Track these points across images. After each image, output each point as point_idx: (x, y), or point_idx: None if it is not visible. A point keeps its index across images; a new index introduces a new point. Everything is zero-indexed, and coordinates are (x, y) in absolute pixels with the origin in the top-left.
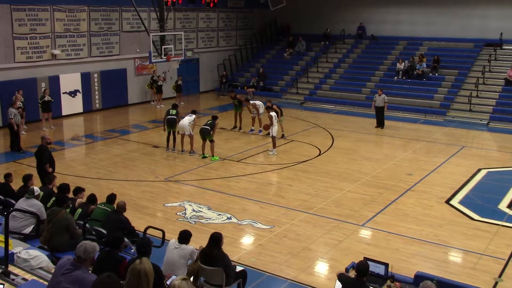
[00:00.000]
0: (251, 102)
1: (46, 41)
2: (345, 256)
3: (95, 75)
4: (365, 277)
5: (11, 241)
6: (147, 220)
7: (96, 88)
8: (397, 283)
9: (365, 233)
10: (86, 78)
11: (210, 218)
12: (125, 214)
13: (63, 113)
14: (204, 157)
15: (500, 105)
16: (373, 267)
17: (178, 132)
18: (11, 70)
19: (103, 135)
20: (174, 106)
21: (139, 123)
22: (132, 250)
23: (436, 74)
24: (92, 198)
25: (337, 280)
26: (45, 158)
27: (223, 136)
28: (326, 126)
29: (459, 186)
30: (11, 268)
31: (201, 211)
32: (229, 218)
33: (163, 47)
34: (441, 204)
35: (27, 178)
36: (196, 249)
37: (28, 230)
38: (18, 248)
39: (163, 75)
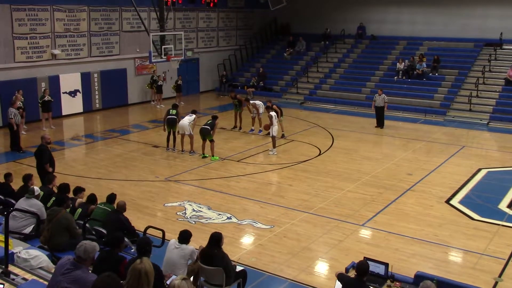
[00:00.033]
0: (251, 102)
1: (46, 41)
2: (345, 256)
3: (95, 75)
4: (365, 277)
5: (11, 241)
6: (147, 220)
7: (96, 88)
8: (397, 283)
9: (365, 233)
10: (86, 78)
11: (210, 218)
12: (125, 214)
13: (63, 113)
14: (204, 157)
15: (500, 105)
16: (373, 267)
17: (178, 132)
18: (11, 70)
19: (103, 135)
20: (174, 106)
21: (139, 123)
22: (132, 250)
23: (436, 74)
24: (92, 198)
25: (337, 280)
26: (45, 158)
27: (223, 136)
28: (326, 126)
29: (459, 186)
30: (11, 268)
31: (201, 211)
32: (229, 218)
33: (163, 47)
34: (441, 204)
35: (27, 178)
36: (196, 249)
37: (28, 230)
38: (18, 248)
39: (163, 75)
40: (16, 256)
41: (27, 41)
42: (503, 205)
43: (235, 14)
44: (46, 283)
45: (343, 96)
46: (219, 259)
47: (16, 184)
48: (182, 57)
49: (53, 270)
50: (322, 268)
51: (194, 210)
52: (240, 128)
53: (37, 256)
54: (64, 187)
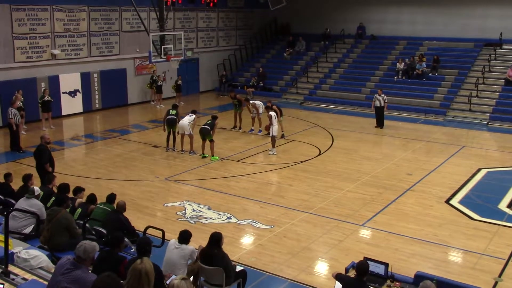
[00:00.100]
0: (251, 102)
1: (46, 41)
2: (345, 256)
3: (95, 75)
4: (365, 277)
5: (11, 241)
6: (147, 220)
7: (96, 88)
8: (397, 283)
9: (365, 233)
10: (86, 78)
11: (210, 218)
12: (125, 214)
13: (63, 113)
14: (204, 156)
15: (500, 105)
16: (373, 267)
17: (178, 132)
18: (11, 70)
19: (103, 135)
20: (174, 107)
21: (139, 123)
22: (132, 250)
23: (436, 74)
24: (92, 198)
25: (337, 280)
26: (44, 158)
27: (223, 136)
28: (326, 126)
29: (459, 186)
30: (11, 268)
31: (201, 211)
32: (229, 218)
33: (163, 47)
34: (441, 204)
35: (27, 178)
36: (196, 248)
37: (28, 230)
38: (18, 248)
39: (163, 75)
40: (16, 256)
41: (27, 41)
42: (503, 205)
43: (235, 14)
44: (46, 283)
45: (343, 96)
46: (219, 259)
47: (16, 184)
48: (182, 57)
49: (53, 270)
50: (322, 268)
51: (194, 210)
52: (240, 128)
53: (37, 256)
54: (64, 187)
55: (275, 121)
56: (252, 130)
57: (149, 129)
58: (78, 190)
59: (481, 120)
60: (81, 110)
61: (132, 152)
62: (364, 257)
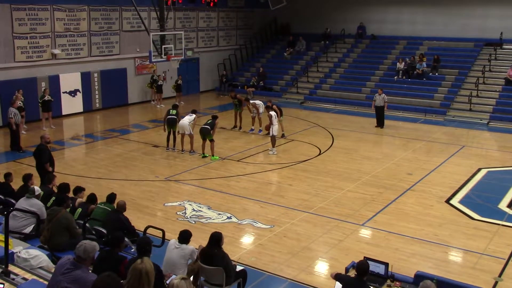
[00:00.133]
0: (251, 101)
1: (46, 41)
2: (345, 256)
3: (95, 75)
4: (365, 277)
5: (11, 240)
6: (147, 220)
7: (96, 87)
8: (397, 283)
9: (365, 232)
10: (86, 77)
11: (210, 218)
12: (125, 213)
13: (63, 113)
14: (204, 156)
15: (500, 105)
16: (373, 267)
17: (178, 131)
18: (11, 69)
19: (103, 135)
20: (175, 106)
21: (139, 122)
22: (132, 250)
23: (436, 74)
24: (92, 198)
25: (336, 280)
26: (44, 158)
27: (223, 135)
28: (326, 125)
29: (459, 186)
30: (11, 267)
31: (201, 211)
32: (229, 218)
33: (163, 46)
34: (441, 203)
35: (27, 178)
36: (196, 248)
37: (28, 229)
38: (18, 248)
39: (163, 74)
40: (16, 256)
41: (27, 41)
42: (503, 205)
43: (235, 13)
44: (46, 283)
45: (343, 95)
46: (219, 259)
47: (16, 184)
48: (182, 57)
49: (53, 270)
50: (322, 268)
51: (194, 210)
52: (240, 127)
53: (37, 256)
54: (64, 187)
55: (275, 120)
56: (252, 130)
57: (149, 129)
58: (78, 189)
59: (481, 120)
60: (81, 109)
61: (132, 151)
62: (364, 257)
